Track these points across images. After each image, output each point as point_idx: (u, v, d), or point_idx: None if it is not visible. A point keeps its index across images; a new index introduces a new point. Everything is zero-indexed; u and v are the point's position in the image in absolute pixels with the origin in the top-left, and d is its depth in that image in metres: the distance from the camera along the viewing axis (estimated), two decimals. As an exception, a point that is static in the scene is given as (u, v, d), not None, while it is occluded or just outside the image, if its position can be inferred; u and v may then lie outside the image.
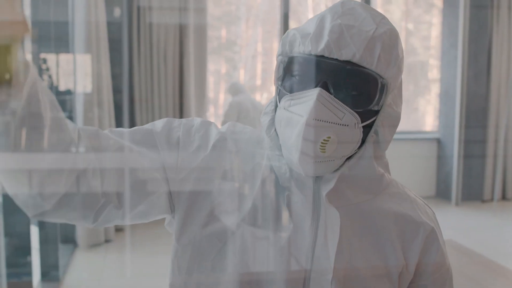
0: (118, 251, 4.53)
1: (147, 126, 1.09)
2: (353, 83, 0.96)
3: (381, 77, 0.97)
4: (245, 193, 1.04)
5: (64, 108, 4.56)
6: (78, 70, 4.62)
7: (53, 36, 4.12)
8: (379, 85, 0.97)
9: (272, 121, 1.05)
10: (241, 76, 8.06)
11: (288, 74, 1.02)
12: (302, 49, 0.98)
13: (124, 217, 1.01)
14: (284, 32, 5.76)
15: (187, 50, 5.27)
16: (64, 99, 4.61)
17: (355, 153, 1.01)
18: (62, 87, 4.71)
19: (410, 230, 1.07)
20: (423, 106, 8.19)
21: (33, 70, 0.83)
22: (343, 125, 0.94)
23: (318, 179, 1.02)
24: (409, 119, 8.30)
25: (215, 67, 7.80)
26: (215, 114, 7.54)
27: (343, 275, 1.01)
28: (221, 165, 1.06)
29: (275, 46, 6.31)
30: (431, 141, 6.62)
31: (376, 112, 0.99)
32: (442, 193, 6.50)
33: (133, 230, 4.72)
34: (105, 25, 4.72)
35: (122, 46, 5.15)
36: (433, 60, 7.96)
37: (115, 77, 5.05)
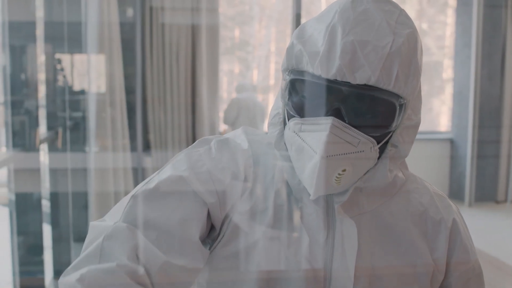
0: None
1: (170, 173, 0.98)
2: (369, 108, 0.89)
3: (399, 96, 0.89)
4: (263, 209, 0.98)
5: (78, 108, 4.61)
6: (91, 70, 4.66)
7: (67, 37, 4.16)
8: (398, 106, 0.90)
9: (281, 135, 0.99)
10: (254, 76, 8.07)
11: (296, 94, 0.94)
12: (311, 70, 0.89)
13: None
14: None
15: (199, 50, 5.28)
16: (78, 99, 4.65)
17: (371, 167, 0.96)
18: (76, 87, 4.76)
19: (431, 229, 1.02)
20: (438, 106, 8.15)
21: None
22: (358, 152, 0.89)
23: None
24: (424, 120, 8.26)
25: (228, 67, 7.82)
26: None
27: (366, 285, 0.96)
28: (249, 186, 1.00)
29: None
30: (444, 142, 6.58)
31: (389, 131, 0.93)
32: (455, 193, 6.45)
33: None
34: (117, 26, 4.75)
35: (135, 46, 5.18)
36: (447, 60, 7.91)
37: (128, 77, 5.08)
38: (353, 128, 0.88)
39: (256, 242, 0.96)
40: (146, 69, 5.25)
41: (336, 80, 0.87)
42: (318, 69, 0.88)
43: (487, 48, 6.19)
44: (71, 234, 4.05)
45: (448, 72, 7.80)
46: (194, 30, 5.28)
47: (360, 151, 0.89)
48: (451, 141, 6.55)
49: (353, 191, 0.95)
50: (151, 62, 5.26)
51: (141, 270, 0.84)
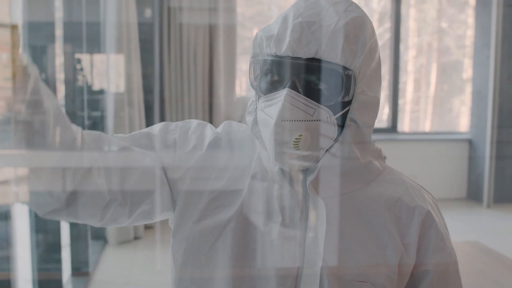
0: (147, 248, 4.60)
1: (145, 129, 1.14)
2: (320, 79, 0.99)
3: (347, 68, 0.98)
4: (237, 189, 1.08)
5: (97, 108, 4.66)
6: (110, 70, 4.70)
7: (86, 37, 4.21)
8: (345, 77, 0.98)
9: (255, 120, 1.08)
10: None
11: (262, 76, 1.05)
12: (268, 51, 1.02)
13: (130, 216, 1.06)
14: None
15: (216, 50, 5.31)
16: (97, 98, 4.70)
17: (335, 142, 1.03)
18: (94, 87, 4.81)
19: (404, 215, 1.08)
20: (458, 107, 8.08)
21: (35, 72, 0.89)
22: (314, 120, 0.98)
23: (305, 171, 1.05)
24: (443, 120, 8.21)
25: (246, 67, 7.84)
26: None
27: (335, 265, 1.02)
28: (215, 163, 1.11)
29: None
30: (463, 142, 6.53)
31: (350, 102, 1.01)
32: (473, 195, 6.40)
33: (162, 228, 4.78)
34: (136, 26, 4.79)
35: (153, 46, 5.22)
36: (468, 59, 7.85)
37: (146, 77, 5.12)
38: (307, 98, 0.98)
39: (229, 220, 1.05)
40: (164, 69, 5.28)
41: (288, 56, 0.98)
42: (273, 48, 1.00)
43: (507, 48, 6.13)
44: (89, 233, 4.10)
45: (468, 72, 7.73)
46: (211, 30, 5.31)
47: (316, 120, 0.98)
48: (470, 142, 6.50)
49: (323, 170, 1.03)
50: (168, 62, 5.29)
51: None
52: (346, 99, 1.00)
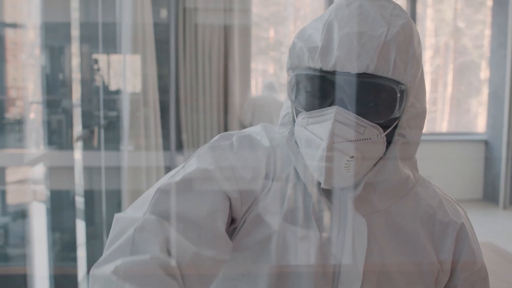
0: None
1: (196, 165, 1.00)
2: (371, 95, 0.92)
3: (399, 83, 0.92)
4: (279, 205, 1.01)
5: (113, 107, 4.70)
6: (126, 71, 4.74)
7: (102, 37, 4.25)
8: (398, 92, 0.93)
9: (291, 134, 1.02)
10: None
11: (301, 90, 0.98)
12: (312, 64, 0.94)
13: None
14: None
15: (232, 50, 5.33)
16: (113, 98, 4.74)
17: (380, 158, 0.98)
18: (110, 87, 4.85)
19: (438, 231, 1.04)
20: (475, 107, 8.02)
21: None
22: (365, 139, 0.92)
23: (346, 188, 1.00)
24: (460, 121, 8.14)
25: (263, 67, 7.85)
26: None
27: (374, 282, 0.99)
28: (269, 182, 1.03)
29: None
30: (479, 143, 6.48)
31: (398, 116, 0.95)
32: (489, 196, 6.36)
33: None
34: (151, 26, 4.82)
35: (169, 47, 5.25)
36: (485, 60, 7.80)
37: (161, 77, 5.15)
38: (357, 116, 0.91)
39: (270, 236, 0.99)
40: (179, 69, 5.31)
41: (335, 71, 0.91)
42: (318, 62, 0.92)
43: (524, 48, 6.08)
44: (104, 231, 4.14)
45: (486, 72, 7.68)
46: (226, 31, 5.33)
47: (367, 138, 0.92)
48: (486, 143, 6.45)
49: (365, 187, 0.97)
50: (184, 62, 5.32)
51: (173, 262, 0.84)
52: (397, 114, 0.94)
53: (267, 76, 7.83)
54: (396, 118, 0.96)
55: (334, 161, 0.91)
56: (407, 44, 0.93)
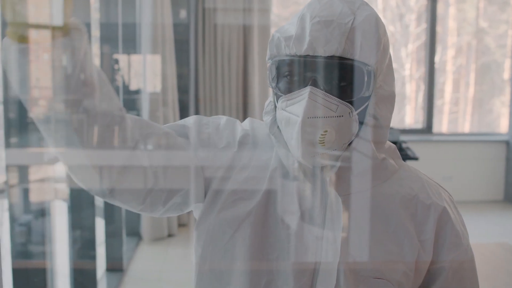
0: (180, 245, 4.66)
1: (180, 121, 1.16)
2: (341, 76, 1.02)
3: (366, 64, 1.01)
4: (258, 183, 1.10)
5: (133, 107, 4.75)
6: (145, 71, 4.78)
7: (123, 38, 4.29)
8: (366, 73, 1.01)
9: (274, 120, 1.10)
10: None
11: (280, 76, 1.07)
12: (288, 51, 1.04)
13: (164, 204, 1.08)
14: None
15: (251, 50, 5.35)
16: (133, 98, 4.80)
17: (354, 138, 1.05)
18: (130, 87, 4.90)
19: (420, 212, 1.09)
20: (498, 108, 7.94)
21: (86, 36, 0.93)
22: (337, 116, 1.01)
23: (324, 168, 1.07)
24: (482, 121, 8.06)
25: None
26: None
27: (352, 261, 1.04)
28: (243, 160, 1.13)
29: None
30: (500, 144, 6.41)
31: (369, 97, 1.04)
32: (510, 197, 6.28)
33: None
34: (171, 27, 4.86)
35: (188, 47, 5.28)
36: (509, 59, 7.71)
37: (180, 77, 5.19)
38: (329, 95, 1.00)
39: (248, 214, 1.07)
40: (199, 69, 5.34)
41: (308, 55, 1.01)
42: (293, 48, 1.02)
43: (547, 48, 6.01)
44: (124, 229, 4.19)
45: (509, 73, 7.59)
46: (246, 31, 5.35)
47: (339, 116, 1.01)
48: (508, 143, 6.38)
49: (342, 168, 1.05)
50: (203, 62, 5.35)
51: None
52: (367, 94, 1.03)
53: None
54: (366, 99, 1.04)
55: (309, 135, 0.99)
56: (372, 31, 1.03)
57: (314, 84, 1.01)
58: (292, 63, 1.04)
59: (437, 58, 6.59)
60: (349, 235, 1.05)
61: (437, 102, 6.51)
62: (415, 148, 5.08)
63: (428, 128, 6.34)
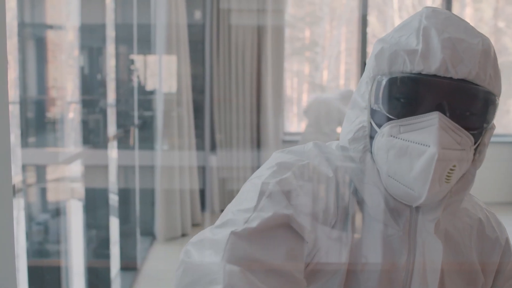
0: (194, 245, 4.68)
1: (274, 210, 0.89)
2: (470, 103, 0.88)
3: (493, 94, 0.90)
4: (343, 230, 0.96)
5: (148, 107, 4.78)
6: (160, 71, 4.81)
7: (138, 38, 4.33)
8: (493, 103, 0.90)
9: (365, 150, 0.95)
10: (324, 76, 8.06)
11: (391, 97, 0.91)
12: (410, 68, 0.88)
13: None
14: (362, 34, 5.62)
15: (265, 51, 5.36)
16: (148, 98, 4.83)
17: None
18: (146, 87, 4.93)
19: (487, 246, 1.06)
20: (516, 108, 7.87)
21: None
22: (461, 150, 0.87)
23: (416, 208, 0.95)
24: (500, 122, 8.00)
25: (298, 67, 7.85)
26: (298, 114, 7.58)
27: None
28: (335, 214, 0.97)
29: (358, 46, 6.27)
30: (516, 145, 6.35)
31: (483, 131, 0.92)
32: (527, 199, 6.22)
33: (210, 225, 4.87)
34: (185, 27, 4.88)
35: (203, 48, 5.31)
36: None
37: (195, 78, 5.21)
38: (457, 125, 0.86)
39: (338, 270, 0.94)
40: (213, 69, 5.36)
41: (437, 75, 0.86)
42: (420, 65, 0.87)
43: None
44: (138, 229, 4.22)
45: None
46: (260, 31, 5.36)
47: (463, 149, 0.87)
48: (524, 145, 6.33)
49: (444, 210, 0.94)
50: (217, 63, 5.37)
51: None
52: (487, 126, 0.91)
53: (303, 77, 7.83)
54: (481, 133, 0.91)
55: (441, 169, 0.85)
56: (495, 58, 0.91)
57: (441, 110, 0.86)
58: (414, 83, 0.88)
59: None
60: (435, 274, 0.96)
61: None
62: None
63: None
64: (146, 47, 4.70)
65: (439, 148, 0.83)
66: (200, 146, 5.31)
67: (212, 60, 5.36)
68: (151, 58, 4.92)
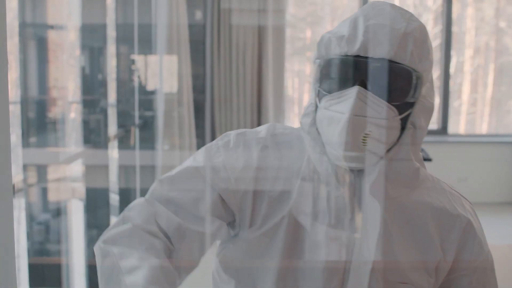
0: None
1: (189, 164, 1.14)
2: (389, 79, 1.02)
3: (415, 70, 1.02)
4: (286, 190, 1.10)
5: (149, 107, 4.79)
6: (161, 71, 4.82)
7: (139, 38, 4.33)
8: (414, 79, 1.02)
9: (313, 122, 1.09)
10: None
11: (326, 76, 1.07)
12: (338, 50, 1.04)
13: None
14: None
15: (265, 51, 5.35)
16: (149, 98, 4.83)
17: (394, 144, 1.05)
18: (146, 87, 4.93)
19: (447, 224, 1.12)
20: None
21: None
22: (381, 119, 1.00)
23: (359, 173, 1.07)
24: (501, 122, 7.99)
25: (299, 67, 7.85)
26: (299, 114, 7.58)
27: (382, 266, 1.06)
28: (267, 171, 1.12)
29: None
30: (515, 145, 6.34)
31: (412, 105, 1.04)
32: (526, 198, 6.22)
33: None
34: (186, 27, 4.88)
35: (203, 48, 5.31)
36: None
37: (195, 78, 5.21)
38: (376, 97, 1.00)
39: (280, 223, 1.09)
40: (214, 69, 5.36)
41: (359, 55, 1.02)
42: (344, 47, 1.03)
43: None
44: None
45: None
46: (261, 31, 5.36)
47: (384, 118, 1.00)
48: (523, 145, 6.32)
49: (379, 172, 1.05)
50: (218, 63, 5.37)
51: (154, 228, 1.04)
52: (412, 100, 1.03)
53: (304, 77, 7.83)
54: (409, 106, 1.04)
55: (353, 133, 0.99)
56: (422, 41, 1.04)
57: (362, 84, 1.00)
58: (341, 63, 1.04)
59: (454, 59, 6.54)
60: (380, 239, 1.07)
61: (454, 103, 6.47)
62: (429, 149, 5.06)
63: (443, 129, 6.30)
64: (147, 47, 4.71)
65: (351, 114, 0.98)
66: (200, 146, 5.29)
67: (213, 60, 5.35)
68: (152, 58, 4.93)
